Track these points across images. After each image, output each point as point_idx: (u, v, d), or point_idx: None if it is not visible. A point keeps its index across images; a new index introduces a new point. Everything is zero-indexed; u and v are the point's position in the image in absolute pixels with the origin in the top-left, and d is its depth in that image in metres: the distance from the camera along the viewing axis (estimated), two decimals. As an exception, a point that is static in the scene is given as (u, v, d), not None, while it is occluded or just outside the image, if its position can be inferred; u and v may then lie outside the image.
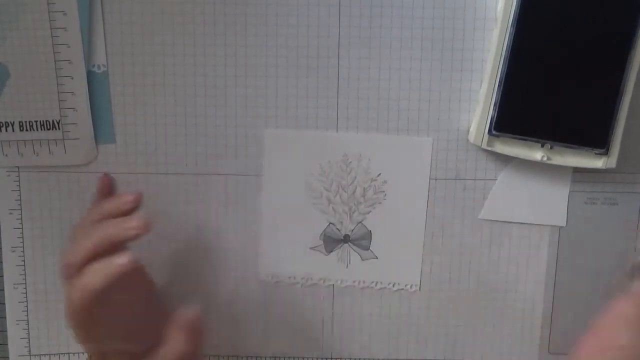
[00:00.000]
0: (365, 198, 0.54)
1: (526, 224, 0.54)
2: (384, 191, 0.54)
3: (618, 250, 0.55)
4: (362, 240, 0.55)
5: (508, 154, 0.52)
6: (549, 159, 0.51)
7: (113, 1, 0.52)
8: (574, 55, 0.48)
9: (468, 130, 0.53)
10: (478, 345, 0.55)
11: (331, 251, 0.55)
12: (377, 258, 0.55)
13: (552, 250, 0.55)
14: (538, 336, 0.56)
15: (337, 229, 0.55)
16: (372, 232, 0.55)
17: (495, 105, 0.50)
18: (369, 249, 0.55)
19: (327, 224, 0.55)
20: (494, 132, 0.51)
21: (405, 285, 0.55)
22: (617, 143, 0.50)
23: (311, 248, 0.55)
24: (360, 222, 0.55)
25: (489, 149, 0.52)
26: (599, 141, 0.50)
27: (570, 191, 0.54)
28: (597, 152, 0.50)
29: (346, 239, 0.55)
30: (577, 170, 0.53)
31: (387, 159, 0.54)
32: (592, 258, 0.55)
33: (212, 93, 0.53)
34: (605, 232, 0.55)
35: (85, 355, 0.57)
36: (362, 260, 0.55)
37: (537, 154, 0.51)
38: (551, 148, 0.51)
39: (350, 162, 0.54)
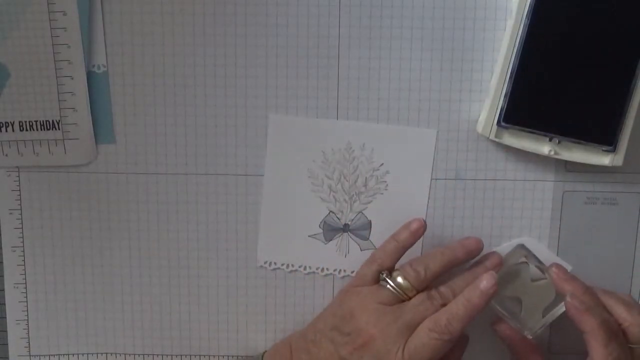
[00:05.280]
0: (367, 188, 0.54)
1: (526, 222, 0.54)
2: (385, 181, 0.54)
3: (618, 250, 0.55)
4: (361, 230, 0.55)
5: (516, 147, 0.52)
6: (556, 153, 0.51)
7: (113, 1, 0.52)
8: (587, 51, 0.48)
9: (469, 123, 0.53)
10: (478, 344, 0.55)
11: (330, 240, 0.55)
12: (376, 249, 0.55)
13: (552, 249, 0.55)
14: (538, 336, 0.56)
15: (337, 217, 0.55)
16: (372, 222, 0.55)
17: (505, 96, 0.50)
18: (368, 239, 0.55)
19: (327, 212, 0.55)
20: (503, 124, 0.50)
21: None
22: (625, 141, 0.50)
23: (310, 236, 0.55)
24: (361, 211, 0.55)
25: (497, 140, 0.51)
26: (607, 138, 0.50)
27: (569, 191, 0.54)
28: (604, 149, 0.50)
29: (346, 228, 0.55)
30: (577, 169, 0.53)
31: (390, 150, 0.54)
32: (591, 258, 0.55)
33: (212, 93, 0.53)
34: (605, 232, 0.55)
35: (85, 355, 0.57)
36: (361, 250, 0.55)
37: (545, 148, 0.51)
38: (559, 143, 0.51)
39: (354, 150, 0.54)
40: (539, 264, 0.52)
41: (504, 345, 0.53)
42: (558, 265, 0.52)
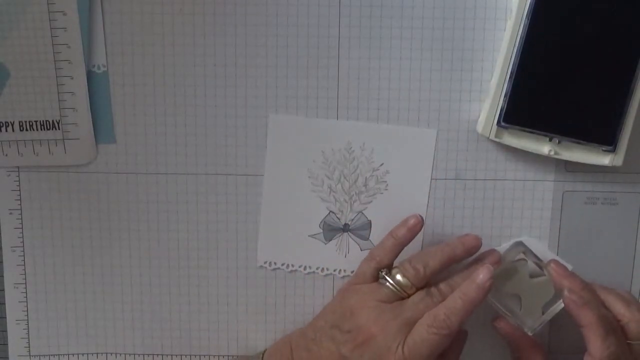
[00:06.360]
0: (367, 188, 0.54)
1: (526, 222, 0.54)
2: (385, 181, 0.54)
3: (618, 250, 0.55)
4: (361, 230, 0.55)
5: (516, 147, 0.52)
6: (556, 153, 0.51)
7: (113, 1, 0.52)
8: (587, 51, 0.49)
9: (469, 123, 0.53)
10: (478, 341, 0.55)
11: (330, 240, 0.55)
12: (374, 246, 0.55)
13: (552, 250, 0.55)
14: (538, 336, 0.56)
15: (337, 217, 0.55)
16: (372, 222, 0.55)
17: (505, 96, 0.50)
18: (368, 239, 0.55)
19: (327, 212, 0.55)
20: (503, 124, 0.50)
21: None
22: (625, 141, 0.50)
23: (310, 236, 0.55)
24: (361, 211, 0.55)
25: (497, 140, 0.52)
26: (607, 138, 0.50)
27: (569, 191, 0.54)
28: (604, 149, 0.50)
29: (346, 228, 0.55)
30: (578, 169, 0.53)
31: (390, 149, 0.54)
32: (591, 258, 0.55)
33: (212, 93, 0.53)
34: (605, 232, 0.55)
35: (85, 355, 0.57)
36: (361, 250, 0.55)
37: (545, 148, 0.51)
38: (559, 143, 0.51)
39: (354, 150, 0.54)
40: (537, 260, 0.52)
41: (505, 341, 0.53)
42: (556, 262, 0.52)
